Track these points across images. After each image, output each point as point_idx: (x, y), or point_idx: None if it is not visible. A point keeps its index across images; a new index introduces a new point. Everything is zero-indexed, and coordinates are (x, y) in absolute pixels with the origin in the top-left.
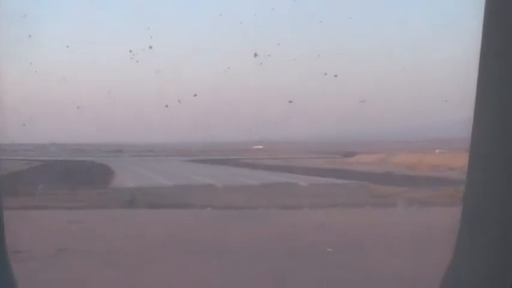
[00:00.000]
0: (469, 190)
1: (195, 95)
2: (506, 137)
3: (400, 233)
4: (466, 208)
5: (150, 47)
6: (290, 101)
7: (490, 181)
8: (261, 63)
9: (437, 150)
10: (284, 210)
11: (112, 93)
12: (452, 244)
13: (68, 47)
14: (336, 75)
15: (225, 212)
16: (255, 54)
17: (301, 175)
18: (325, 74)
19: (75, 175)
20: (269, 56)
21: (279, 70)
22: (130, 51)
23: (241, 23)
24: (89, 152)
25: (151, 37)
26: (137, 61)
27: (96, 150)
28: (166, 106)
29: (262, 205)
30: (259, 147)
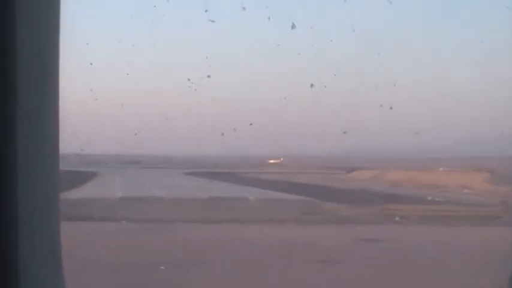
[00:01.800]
0: None
1: (251, 124)
2: None
3: (261, 249)
4: None
5: (208, 76)
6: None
7: None
8: (317, 94)
9: (441, 169)
10: (199, 224)
11: (169, 120)
12: None
13: (128, 74)
14: (391, 108)
15: (134, 225)
16: (311, 85)
17: (267, 190)
18: (381, 105)
19: None
20: (325, 86)
21: (334, 100)
22: (189, 79)
23: (299, 54)
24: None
25: (210, 66)
26: (195, 89)
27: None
28: (222, 134)
29: (183, 219)
30: (277, 161)
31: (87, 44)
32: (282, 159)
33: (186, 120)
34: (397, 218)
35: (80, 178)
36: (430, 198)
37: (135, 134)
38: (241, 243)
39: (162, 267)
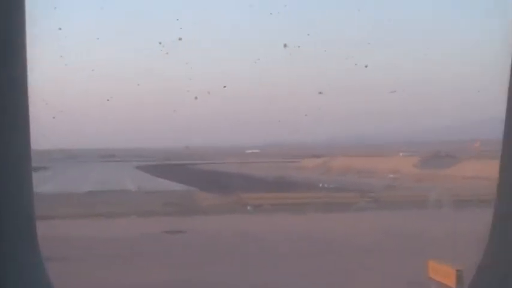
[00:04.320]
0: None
1: (225, 86)
2: None
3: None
4: (498, 207)
5: (180, 39)
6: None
7: None
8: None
9: (401, 154)
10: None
11: (141, 86)
12: None
13: (98, 39)
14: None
15: None
16: (285, 45)
17: (174, 181)
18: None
19: None
20: (299, 47)
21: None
22: (160, 43)
23: (271, 13)
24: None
25: (181, 28)
26: (167, 53)
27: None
28: (196, 98)
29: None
30: (256, 151)
31: (54, 8)
32: (258, 150)
33: (158, 85)
34: (248, 207)
35: None
36: (321, 185)
37: (107, 100)
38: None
39: None
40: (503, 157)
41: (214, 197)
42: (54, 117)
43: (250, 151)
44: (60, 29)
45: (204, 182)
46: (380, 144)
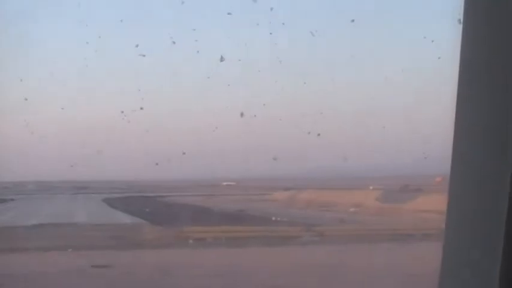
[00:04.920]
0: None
1: (184, 153)
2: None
3: None
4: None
5: (141, 108)
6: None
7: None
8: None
9: (371, 187)
10: None
11: (102, 152)
12: None
13: (62, 109)
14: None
15: None
16: (242, 114)
17: (127, 214)
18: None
19: None
20: (255, 116)
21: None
22: (122, 112)
23: (229, 85)
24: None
25: (142, 98)
26: (128, 121)
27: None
28: (157, 164)
29: None
30: (231, 183)
31: (21, 80)
32: (234, 183)
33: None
34: (190, 241)
35: None
36: (274, 218)
37: (71, 166)
38: None
39: None
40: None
41: (161, 230)
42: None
43: (225, 183)
44: (26, 99)
45: (159, 215)
46: (356, 177)
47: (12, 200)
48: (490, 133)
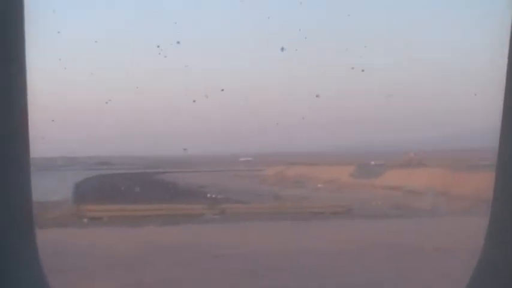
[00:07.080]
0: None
1: (223, 90)
2: None
3: None
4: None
5: (178, 42)
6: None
7: None
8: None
9: (372, 162)
10: None
11: (140, 89)
12: None
13: (96, 42)
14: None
15: None
16: (282, 49)
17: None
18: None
19: None
20: (296, 50)
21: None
22: (158, 46)
23: (269, 17)
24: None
25: (179, 32)
26: (165, 56)
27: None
28: (194, 101)
29: None
30: (249, 159)
31: (53, 11)
32: (251, 158)
33: (156, 86)
34: (84, 220)
35: None
36: (209, 195)
37: (106, 103)
38: None
39: None
40: (499, 155)
41: (64, 209)
42: (53, 120)
43: (243, 159)
44: (59, 32)
45: (103, 192)
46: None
47: None
48: None
